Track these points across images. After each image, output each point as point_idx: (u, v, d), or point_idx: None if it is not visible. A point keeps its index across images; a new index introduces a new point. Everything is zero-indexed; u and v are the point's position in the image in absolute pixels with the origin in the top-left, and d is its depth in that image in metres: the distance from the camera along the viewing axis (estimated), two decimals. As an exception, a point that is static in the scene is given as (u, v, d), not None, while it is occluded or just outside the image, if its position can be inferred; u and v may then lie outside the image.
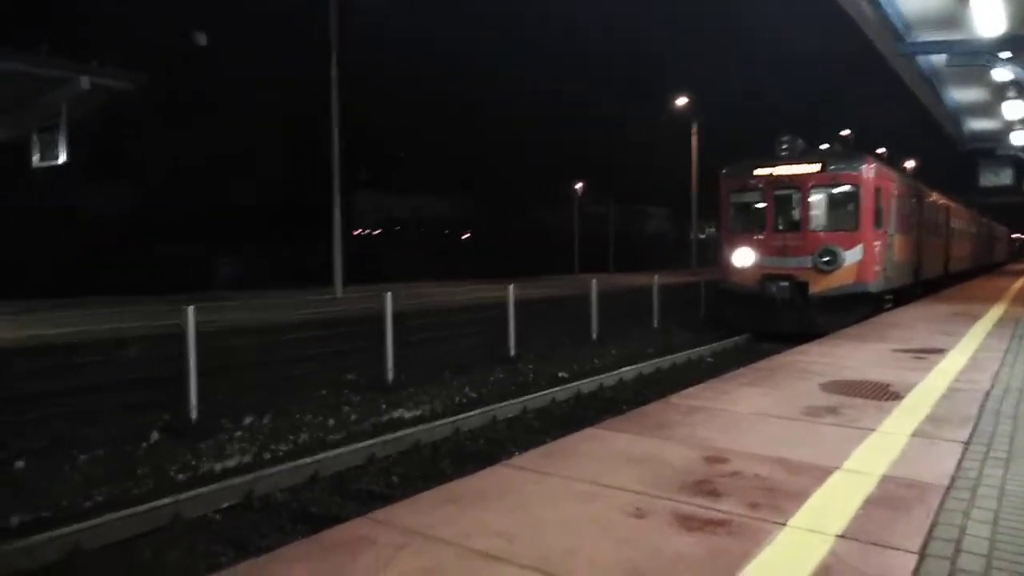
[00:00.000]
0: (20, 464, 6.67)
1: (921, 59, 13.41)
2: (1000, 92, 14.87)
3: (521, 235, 46.38)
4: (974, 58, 11.94)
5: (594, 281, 15.62)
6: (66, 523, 5.20)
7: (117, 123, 24.42)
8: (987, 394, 6.03)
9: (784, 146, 15.83)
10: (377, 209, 43.40)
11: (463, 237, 47.76)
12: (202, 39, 29.40)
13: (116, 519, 5.27)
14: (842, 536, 3.14)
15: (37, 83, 11.30)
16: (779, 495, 3.65)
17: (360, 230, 39.49)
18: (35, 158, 12.56)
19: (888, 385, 6.42)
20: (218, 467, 6.92)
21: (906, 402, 5.75)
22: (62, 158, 12.36)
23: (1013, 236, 70.28)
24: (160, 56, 26.20)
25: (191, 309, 8.24)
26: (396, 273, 27.20)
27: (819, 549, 3.01)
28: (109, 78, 11.75)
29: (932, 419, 5.18)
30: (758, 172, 15.93)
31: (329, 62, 19.21)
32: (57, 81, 11.37)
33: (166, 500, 5.64)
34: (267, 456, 7.30)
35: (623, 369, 11.73)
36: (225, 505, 5.92)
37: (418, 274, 29.27)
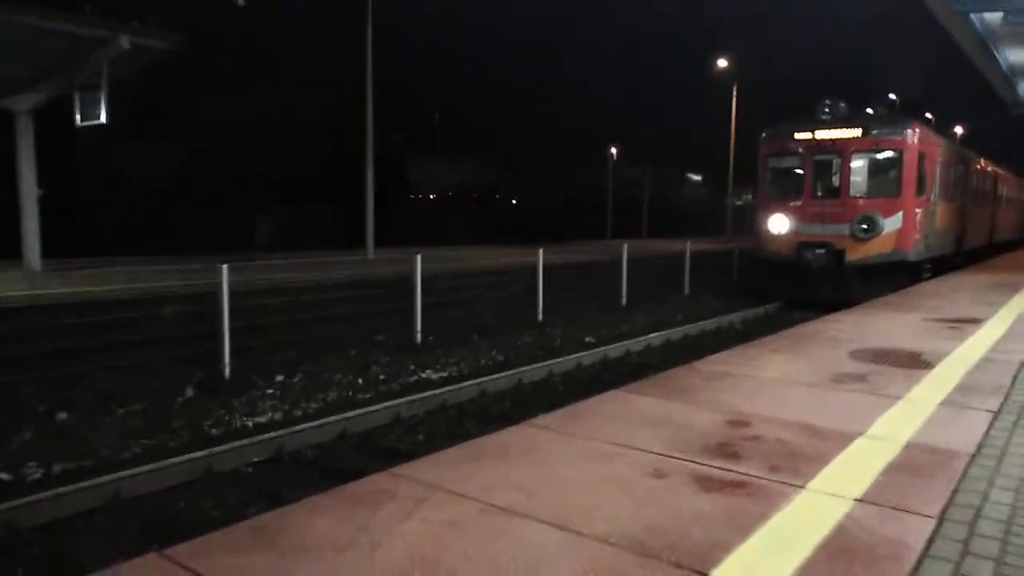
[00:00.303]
0: (63, 416, 6.94)
1: (975, 17, 12.83)
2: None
3: (554, 200, 46.10)
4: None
5: (625, 246, 15.52)
6: (106, 472, 5.43)
7: (158, 84, 24.72)
8: (1022, 365, 5.89)
9: (826, 110, 15.39)
10: (414, 175, 43.40)
11: (501, 202, 47.61)
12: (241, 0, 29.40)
13: (152, 470, 5.48)
14: (860, 500, 3.13)
15: (80, 42, 11.49)
16: (800, 459, 3.64)
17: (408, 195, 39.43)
18: (77, 117, 12.81)
19: (920, 354, 6.31)
20: (250, 423, 7.12)
21: (937, 371, 5.65)
22: (103, 118, 12.60)
23: None
24: (200, 17, 26.34)
25: (225, 268, 8.40)
26: (428, 237, 27.31)
27: (836, 512, 3.01)
28: (149, 38, 11.90)
29: (962, 388, 5.09)
30: (798, 136, 15.54)
31: (365, 26, 19.15)
32: (98, 41, 11.55)
33: (200, 453, 5.84)
34: (297, 413, 7.49)
35: (651, 335, 11.71)
36: (256, 460, 6.11)
37: (450, 238, 29.38)
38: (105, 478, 5.25)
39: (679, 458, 3.66)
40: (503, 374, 8.84)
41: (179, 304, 10.90)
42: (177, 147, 30.05)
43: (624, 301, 14.97)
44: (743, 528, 2.86)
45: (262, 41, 32.55)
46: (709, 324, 13.23)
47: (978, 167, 21.72)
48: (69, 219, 20.85)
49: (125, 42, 11.32)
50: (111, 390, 7.66)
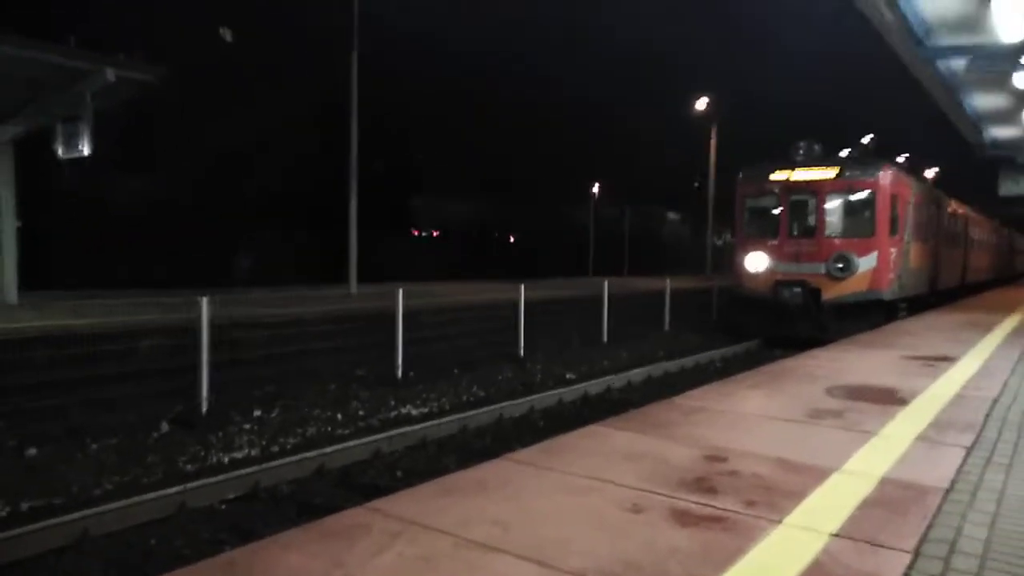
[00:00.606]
0: (33, 451, 6.80)
1: (941, 64, 13.27)
2: (1022, 99, 14.68)
3: (535, 237, 46.36)
4: (995, 63, 11.79)
5: (605, 283, 15.63)
6: (76, 509, 5.31)
7: (140, 116, 24.73)
8: (995, 401, 5.98)
9: (801, 151, 15.76)
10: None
11: (482, 238, 47.80)
12: (228, 35, 29.75)
13: (123, 507, 5.37)
14: (836, 535, 3.14)
15: (61, 73, 11.50)
16: (776, 494, 3.65)
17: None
18: (59, 149, 12.75)
19: (895, 391, 6.39)
20: (226, 458, 7.02)
21: (911, 407, 5.72)
22: (86, 150, 12.54)
23: None
24: (184, 49, 26.54)
25: (205, 302, 8.35)
26: (407, 272, 27.32)
27: (812, 546, 3.02)
28: (133, 71, 11.94)
29: (936, 424, 5.16)
30: (774, 177, 15.87)
31: (349, 61, 19.38)
32: (81, 72, 11.57)
33: (173, 489, 5.74)
34: (275, 449, 7.39)
35: (631, 371, 11.74)
36: (232, 496, 6.01)
37: (430, 274, 29.42)
38: (74, 515, 5.13)
39: (656, 492, 3.66)
40: (484, 409, 8.81)
41: (157, 337, 10.79)
42: (156, 177, 29.92)
43: (605, 337, 15.03)
44: (720, 563, 2.86)
45: (248, 70, 32.75)
46: (689, 361, 13.30)
47: (950, 209, 22.24)
48: (46, 251, 20.64)
49: (110, 75, 11.35)
50: (85, 424, 7.53)
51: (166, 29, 29.47)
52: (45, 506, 5.65)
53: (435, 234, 43.90)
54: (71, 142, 12.40)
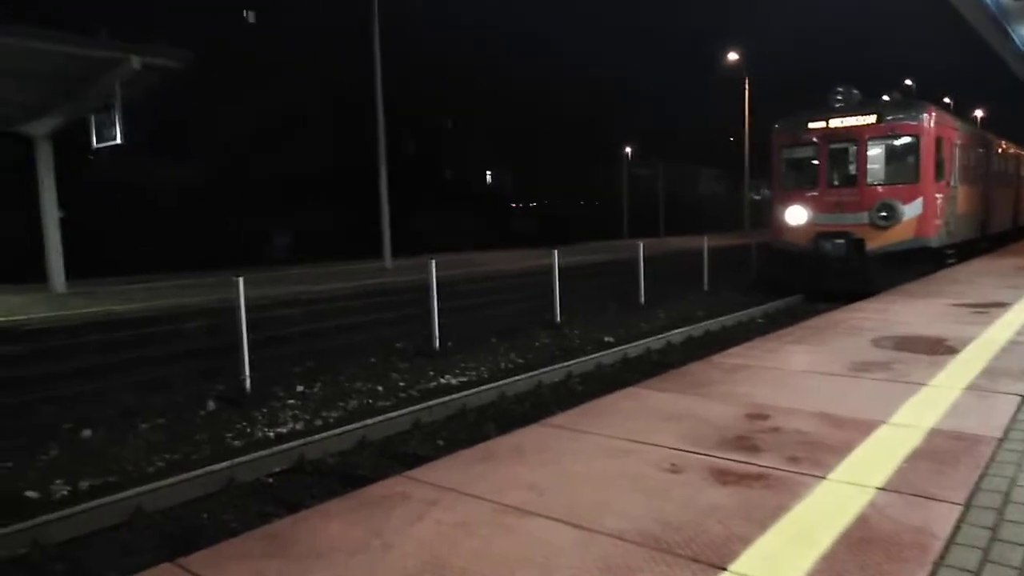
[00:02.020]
0: (87, 433, 7.02)
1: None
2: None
3: (571, 203, 45.98)
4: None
5: (640, 245, 15.42)
6: (129, 487, 5.48)
7: (172, 101, 25.03)
8: (1051, 346, 5.75)
9: (839, 97, 15.19)
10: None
11: (518, 206, 47.62)
12: (251, 17, 29.86)
13: (174, 483, 5.51)
14: (883, 488, 3.05)
15: (92, 65, 11.67)
16: (820, 449, 3.57)
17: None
18: (93, 139, 13.02)
19: (943, 340, 6.18)
20: (271, 433, 7.15)
21: (961, 356, 5.53)
22: (119, 138, 12.78)
23: None
24: (212, 32, 26.71)
25: (241, 281, 8.48)
26: (445, 244, 27.37)
27: (858, 501, 2.94)
28: (158, 57, 12.06)
29: (988, 373, 4.97)
30: (812, 125, 15.36)
31: (372, 37, 19.27)
32: (111, 62, 11.73)
33: (221, 465, 5.87)
34: (318, 422, 7.50)
35: (671, 332, 11.60)
36: (277, 469, 6.12)
37: (467, 244, 29.43)
38: (127, 493, 5.29)
39: (696, 452, 3.60)
40: (522, 376, 8.80)
41: (200, 319, 11.03)
42: (191, 161, 30.34)
43: (643, 299, 14.87)
44: (761, 521, 2.80)
45: (277, 49, 32.79)
46: (729, 319, 13.09)
47: (1000, 149, 21.32)
48: (88, 239, 21.18)
49: (136, 63, 11.49)
50: (135, 406, 7.75)
51: (193, 8, 29.67)
52: (101, 485, 5.84)
53: (472, 205, 43.92)
54: (104, 131, 12.64)
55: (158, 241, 24.60)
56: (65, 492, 5.77)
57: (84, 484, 5.91)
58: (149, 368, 9.10)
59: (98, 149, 13.43)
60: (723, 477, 3.26)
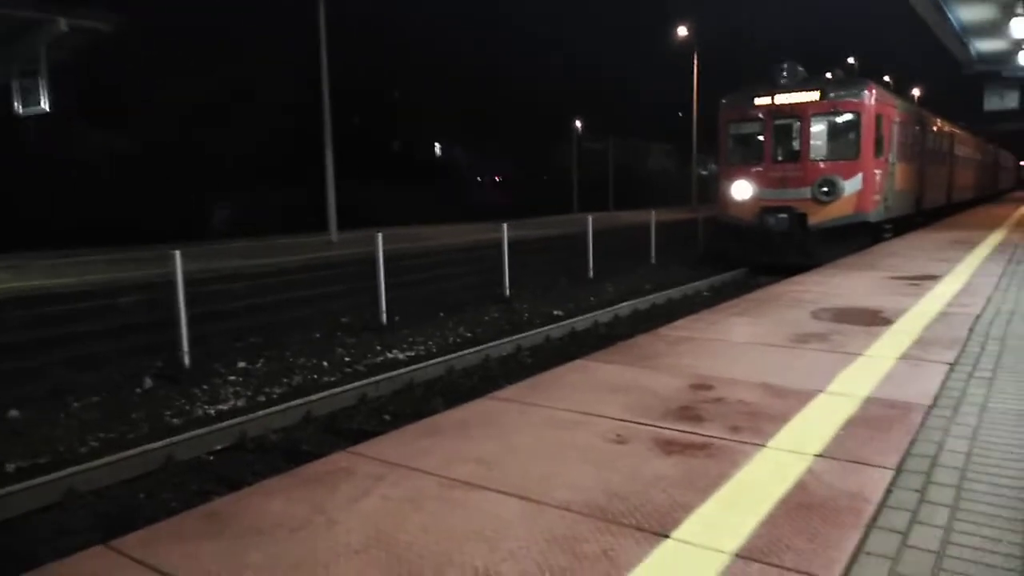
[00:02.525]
0: (15, 412, 6.72)
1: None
2: (1009, 8, 14.38)
3: (520, 177, 45.79)
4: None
5: (589, 219, 15.49)
6: (60, 468, 5.27)
7: (105, 67, 23.86)
8: (977, 318, 5.99)
9: (784, 73, 15.43)
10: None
11: (466, 179, 47.18)
12: None
13: (108, 463, 5.33)
14: (820, 455, 3.13)
15: (14, 25, 10.99)
16: (761, 418, 3.64)
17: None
18: (16, 105, 12.29)
19: (879, 311, 6.38)
20: (212, 411, 6.98)
21: (896, 327, 5.72)
22: (44, 105, 12.09)
23: (1022, 163, 68.59)
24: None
25: (178, 254, 8.19)
26: (395, 216, 26.96)
27: (797, 467, 3.01)
28: (87, 19, 11.43)
29: (920, 342, 5.16)
30: (758, 101, 15.59)
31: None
32: (35, 23, 11.07)
33: (159, 443, 5.70)
34: (261, 399, 7.35)
35: (618, 305, 11.73)
36: (219, 447, 5.98)
37: (415, 217, 29.08)
38: (59, 473, 5.09)
39: (642, 423, 3.63)
40: (470, 351, 8.78)
41: (136, 293, 10.63)
42: (130, 132, 29.08)
43: (591, 273, 14.98)
44: (704, 488, 2.84)
45: (223, 21, 31.56)
46: (676, 292, 13.30)
47: (935, 127, 22.05)
48: (15, 211, 20.18)
49: (63, 24, 10.86)
50: (67, 384, 7.45)
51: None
52: (29, 467, 5.61)
53: (418, 178, 43.38)
54: (29, 97, 11.94)
55: (92, 214, 23.56)
56: (-9, 474, 5.53)
57: (11, 467, 5.67)
58: (82, 345, 8.73)
59: (25, 118, 12.71)
60: (668, 447, 3.30)
